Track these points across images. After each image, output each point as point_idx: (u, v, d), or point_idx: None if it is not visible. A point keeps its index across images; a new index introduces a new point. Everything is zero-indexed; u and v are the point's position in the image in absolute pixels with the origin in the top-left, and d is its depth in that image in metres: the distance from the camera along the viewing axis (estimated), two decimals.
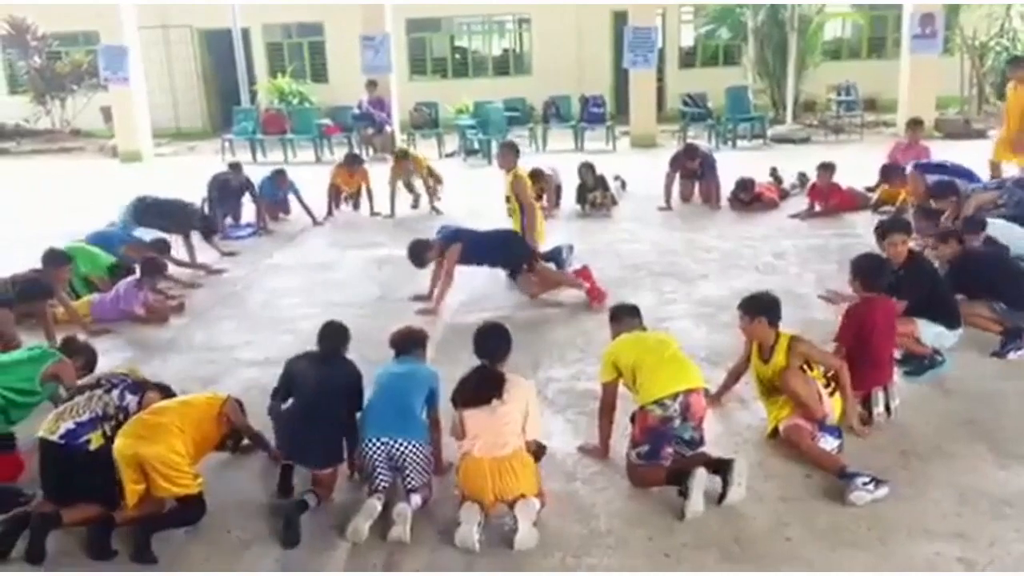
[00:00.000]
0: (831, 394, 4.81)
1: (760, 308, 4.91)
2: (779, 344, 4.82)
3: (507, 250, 7.79)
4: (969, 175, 9.13)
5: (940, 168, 9.37)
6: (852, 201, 10.48)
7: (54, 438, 4.33)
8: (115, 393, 4.55)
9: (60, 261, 7.36)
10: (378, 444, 4.33)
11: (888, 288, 5.71)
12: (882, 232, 6.20)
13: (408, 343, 4.94)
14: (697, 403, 4.50)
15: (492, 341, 4.53)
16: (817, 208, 10.42)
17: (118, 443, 4.26)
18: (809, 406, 4.68)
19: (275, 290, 8.41)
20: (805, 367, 4.82)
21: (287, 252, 9.92)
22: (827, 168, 10.47)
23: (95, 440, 4.35)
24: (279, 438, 4.73)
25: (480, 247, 7.64)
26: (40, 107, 21.48)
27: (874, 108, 18.98)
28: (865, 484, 4.26)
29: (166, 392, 4.89)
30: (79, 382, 4.88)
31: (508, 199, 8.58)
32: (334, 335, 4.87)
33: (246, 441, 4.96)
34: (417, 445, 4.36)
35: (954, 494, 4.33)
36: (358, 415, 4.59)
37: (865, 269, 5.30)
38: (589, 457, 4.83)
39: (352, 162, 11.72)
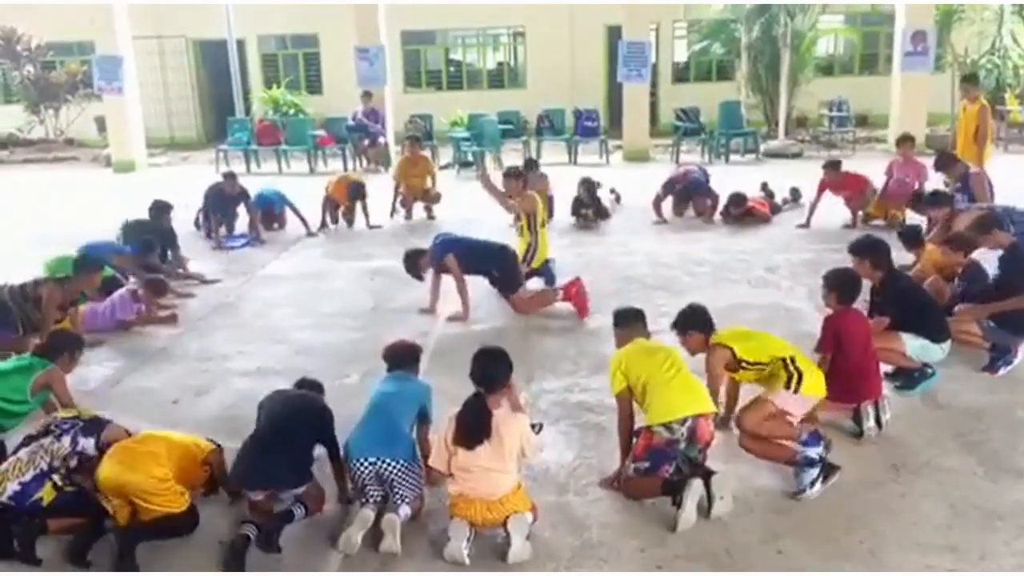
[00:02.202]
0: (796, 390, 4.68)
1: (687, 323, 5.06)
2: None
3: (498, 263, 7.75)
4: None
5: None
6: (861, 186, 10.61)
7: (3, 499, 4.19)
8: (66, 439, 4.38)
9: (94, 268, 7.38)
10: (366, 464, 4.31)
11: (871, 308, 5.81)
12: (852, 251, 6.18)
13: (401, 357, 4.92)
14: (705, 428, 4.47)
15: (490, 367, 4.28)
16: (823, 198, 10.53)
17: (101, 471, 4.19)
18: (782, 437, 4.65)
19: (268, 300, 8.40)
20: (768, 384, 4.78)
21: (281, 262, 9.91)
22: (831, 165, 10.63)
23: (46, 496, 4.23)
24: (232, 465, 4.46)
25: (472, 258, 7.65)
26: (34, 117, 21.44)
27: (866, 124, 19.12)
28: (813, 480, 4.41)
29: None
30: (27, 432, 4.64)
31: (518, 218, 8.53)
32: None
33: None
34: (405, 464, 4.33)
35: (945, 507, 4.35)
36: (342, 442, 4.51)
37: (838, 283, 5.35)
38: (607, 488, 4.64)
39: (356, 193, 11.32)
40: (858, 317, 5.36)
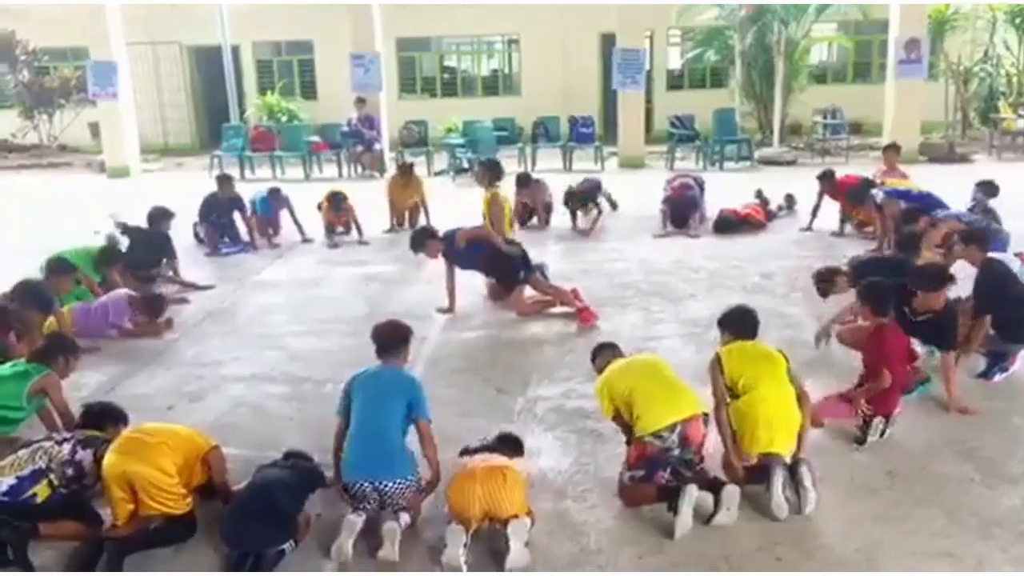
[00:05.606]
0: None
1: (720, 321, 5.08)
2: None
3: (496, 261, 7.80)
4: (939, 203, 9.10)
5: (905, 195, 9.36)
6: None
7: None
8: (66, 447, 4.41)
9: (64, 270, 7.34)
10: (365, 485, 4.28)
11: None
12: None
13: (392, 339, 4.81)
14: (695, 430, 4.47)
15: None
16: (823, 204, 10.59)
17: (107, 460, 4.22)
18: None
19: (263, 306, 8.37)
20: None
21: (275, 268, 9.88)
22: (824, 177, 10.60)
23: (40, 493, 4.24)
24: (222, 522, 4.27)
25: (469, 253, 7.71)
26: (28, 122, 21.39)
27: (859, 132, 19.16)
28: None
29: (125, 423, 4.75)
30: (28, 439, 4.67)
31: (484, 216, 8.62)
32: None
33: None
34: (404, 482, 4.30)
35: (941, 514, 4.35)
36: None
37: (872, 295, 5.34)
38: None
39: (337, 205, 11.12)
40: (895, 333, 5.28)
